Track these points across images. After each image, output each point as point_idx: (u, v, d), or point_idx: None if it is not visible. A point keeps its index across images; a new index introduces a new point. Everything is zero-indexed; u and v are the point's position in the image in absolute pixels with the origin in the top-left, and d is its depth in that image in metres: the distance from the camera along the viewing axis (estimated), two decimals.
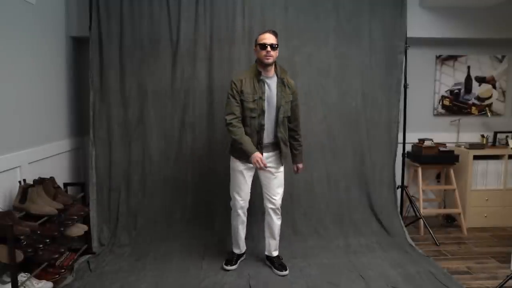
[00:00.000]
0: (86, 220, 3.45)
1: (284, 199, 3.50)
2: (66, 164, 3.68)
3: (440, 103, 4.40)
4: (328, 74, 3.64)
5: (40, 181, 2.93)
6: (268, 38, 2.72)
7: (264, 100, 2.78)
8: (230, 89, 2.80)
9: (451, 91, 4.40)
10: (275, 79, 2.81)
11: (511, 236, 3.88)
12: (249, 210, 3.44)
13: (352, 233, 3.61)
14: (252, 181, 3.00)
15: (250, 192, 3.01)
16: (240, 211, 3.01)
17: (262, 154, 2.79)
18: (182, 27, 3.52)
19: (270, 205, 2.97)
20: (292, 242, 3.51)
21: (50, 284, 2.73)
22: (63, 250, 2.81)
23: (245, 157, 2.81)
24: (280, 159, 2.92)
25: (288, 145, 2.97)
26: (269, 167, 2.89)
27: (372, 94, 3.72)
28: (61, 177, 3.58)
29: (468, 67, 4.37)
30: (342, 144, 3.70)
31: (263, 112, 2.79)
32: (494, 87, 4.43)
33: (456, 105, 4.42)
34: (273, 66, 2.81)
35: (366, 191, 3.73)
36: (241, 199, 2.97)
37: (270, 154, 2.89)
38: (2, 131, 2.70)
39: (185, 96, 3.56)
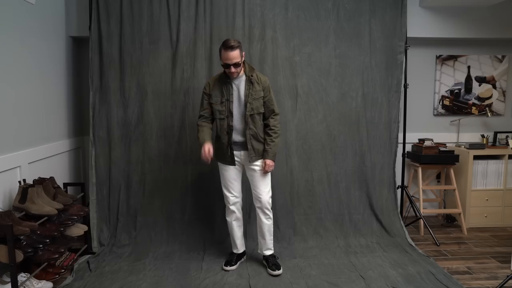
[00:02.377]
0: (86, 220, 3.46)
1: (284, 199, 3.56)
2: (66, 164, 3.68)
3: (440, 103, 4.39)
4: (328, 74, 3.64)
5: (40, 181, 2.93)
6: (231, 59, 2.73)
7: (232, 102, 2.88)
8: (203, 90, 2.98)
9: (451, 91, 4.39)
10: (243, 78, 2.89)
11: (511, 236, 3.88)
12: (248, 209, 3.49)
13: (352, 233, 3.60)
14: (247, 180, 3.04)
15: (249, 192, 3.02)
16: (233, 207, 3.05)
17: (232, 153, 2.94)
18: (182, 27, 3.51)
19: (257, 204, 3.01)
20: (292, 242, 3.50)
21: (50, 284, 2.73)
22: (63, 250, 2.81)
23: (220, 158, 3.01)
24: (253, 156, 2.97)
25: (262, 141, 2.99)
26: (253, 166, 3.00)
27: (372, 94, 3.71)
28: (61, 177, 3.57)
29: (468, 67, 4.36)
30: (342, 144, 3.69)
31: (231, 113, 2.89)
32: (495, 87, 4.43)
33: (456, 105, 4.41)
34: (241, 67, 2.87)
35: (366, 191, 3.72)
36: (231, 194, 3.03)
37: (242, 152, 2.99)
38: (1, 131, 2.70)
39: (185, 96, 3.55)
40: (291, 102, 3.60)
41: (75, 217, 3.01)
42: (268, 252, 3.08)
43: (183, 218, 3.61)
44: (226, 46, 2.71)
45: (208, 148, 2.84)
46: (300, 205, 3.65)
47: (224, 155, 2.99)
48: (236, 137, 2.95)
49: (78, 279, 2.93)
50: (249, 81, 2.87)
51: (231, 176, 3.03)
